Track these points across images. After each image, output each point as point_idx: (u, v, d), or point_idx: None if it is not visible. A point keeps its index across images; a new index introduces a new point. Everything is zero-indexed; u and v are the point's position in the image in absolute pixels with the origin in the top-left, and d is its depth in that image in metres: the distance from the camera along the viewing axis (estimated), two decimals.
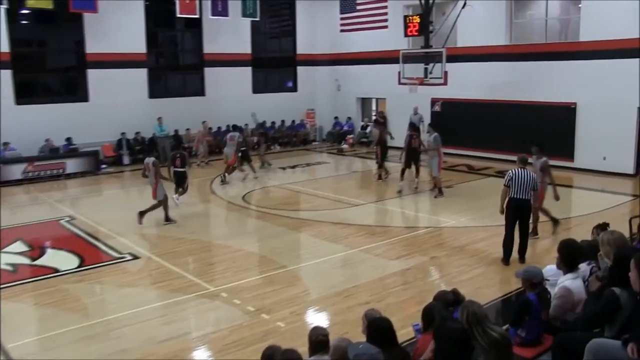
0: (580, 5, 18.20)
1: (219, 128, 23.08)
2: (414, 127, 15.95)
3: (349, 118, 25.96)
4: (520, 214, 9.49)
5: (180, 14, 20.91)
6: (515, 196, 9.41)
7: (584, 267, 5.68)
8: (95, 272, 9.71)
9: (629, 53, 16.50)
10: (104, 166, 20.07)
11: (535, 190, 9.53)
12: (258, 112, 21.16)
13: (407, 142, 15.37)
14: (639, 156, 17.15)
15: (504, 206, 9.53)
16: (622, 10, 16.56)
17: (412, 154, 15.30)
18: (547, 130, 18.32)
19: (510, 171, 9.57)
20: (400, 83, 19.47)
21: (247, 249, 10.91)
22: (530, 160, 10.61)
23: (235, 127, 18.72)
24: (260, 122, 19.22)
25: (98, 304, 8.49)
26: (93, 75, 20.51)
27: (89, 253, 10.79)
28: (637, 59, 16.26)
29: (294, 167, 20.19)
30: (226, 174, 17.19)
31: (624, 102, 16.84)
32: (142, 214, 12.46)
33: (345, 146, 24.44)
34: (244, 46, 24.49)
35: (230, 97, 23.58)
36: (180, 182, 14.02)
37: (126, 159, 20.79)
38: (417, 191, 15.31)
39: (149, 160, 12.89)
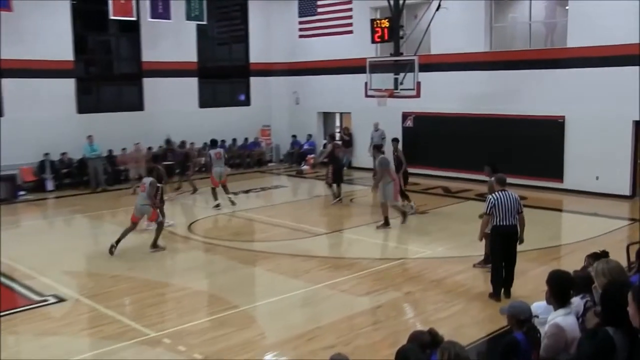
0: (567, 7, 18.69)
1: (160, 148, 22.85)
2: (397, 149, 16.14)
3: (310, 135, 26.06)
4: (507, 242, 9.60)
5: (114, 15, 20.80)
6: (500, 223, 9.52)
7: (577, 302, 5.74)
8: (10, 320, 9.38)
9: (623, 60, 16.97)
10: (22, 193, 19.64)
11: (521, 213, 9.68)
12: (205, 129, 21.00)
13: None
14: (636, 175, 17.56)
15: (490, 235, 9.68)
16: (614, 13, 17.01)
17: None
18: (532, 147, 18.70)
19: (490, 197, 9.65)
20: (367, 95, 19.65)
21: (193, 287, 10.76)
22: (487, 179, 10.99)
23: (215, 143, 18.55)
24: (177, 143, 19.21)
25: (13, 357, 8.21)
26: (8, 86, 20.14)
27: (2, 296, 10.46)
28: (632, 67, 16.72)
29: (247, 191, 20.11)
30: (230, 197, 17.24)
31: (617, 115, 17.26)
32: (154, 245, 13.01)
33: (305, 167, 24.50)
34: (189, 54, 24.47)
35: (174, 112, 23.48)
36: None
37: (50, 184, 20.40)
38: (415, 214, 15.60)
39: (147, 180, 13.07)
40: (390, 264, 11.84)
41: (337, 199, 17.37)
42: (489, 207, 9.54)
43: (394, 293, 10.20)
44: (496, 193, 9.63)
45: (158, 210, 13.30)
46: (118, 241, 12.57)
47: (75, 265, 12.28)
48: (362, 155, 23.43)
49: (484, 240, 10.46)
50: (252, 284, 11.38)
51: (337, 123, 26.65)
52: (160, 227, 13.13)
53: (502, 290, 9.66)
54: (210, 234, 14.54)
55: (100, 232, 15.68)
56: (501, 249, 9.64)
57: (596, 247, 9.67)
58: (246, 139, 25.90)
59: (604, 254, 6.65)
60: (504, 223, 9.49)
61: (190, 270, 11.92)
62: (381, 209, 14.62)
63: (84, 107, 21.94)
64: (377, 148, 15.74)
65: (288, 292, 10.26)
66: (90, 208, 17.65)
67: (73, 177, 20.84)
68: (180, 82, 24.03)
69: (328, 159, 17.88)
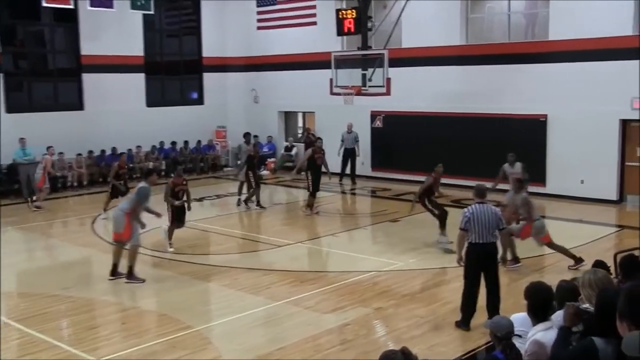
0: None
1: (103, 152, 22.65)
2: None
3: (270, 137, 26.07)
4: (485, 262, 9.37)
5: (48, 2, 20.48)
6: (476, 240, 9.26)
7: (561, 314, 5.80)
8: None
9: (609, 54, 17.26)
10: None
11: (502, 229, 9.57)
12: (154, 130, 20.87)
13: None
14: (623, 179, 17.88)
15: (465, 253, 9.41)
16: (599, 4, 17.31)
17: None
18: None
19: (466, 210, 9.43)
20: (332, 93, 19.75)
21: (140, 306, 10.73)
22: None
23: None
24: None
25: None
26: None
27: None
28: (619, 62, 17.04)
29: (200, 199, 19.98)
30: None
31: (603, 113, 17.55)
32: None
33: (265, 172, 24.47)
34: (135, 47, 24.33)
35: (118, 111, 23.28)
36: None
37: None
38: None
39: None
40: (359, 277, 11.88)
41: (316, 212, 17.44)
42: (464, 221, 9.30)
43: (363, 309, 10.25)
44: (473, 206, 9.41)
45: None
46: None
47: (5, 284, 12.06)
48: (330, 159, 23.45)
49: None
50: (206, 301, 11.33)
51: (300, 123, 26.69)
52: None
53: (488, 316, 9.35)
54: (160, 247, 14.41)
55: (34, 247, 15.47)
56: (476, 271, 9.31)
57: (581, 256, 9.76)
58: (199, 142, 25.77)
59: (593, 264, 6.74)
60: (481, 240, 9.23)
61: (137, 288, 11.78)
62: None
63: (13, 105, 21.63)
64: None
65: (247, 310, 10.25)
66: (22, 220, 17.40)
67: (2, 185, 20.47)
68: (125, 79, 23.83)
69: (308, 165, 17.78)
